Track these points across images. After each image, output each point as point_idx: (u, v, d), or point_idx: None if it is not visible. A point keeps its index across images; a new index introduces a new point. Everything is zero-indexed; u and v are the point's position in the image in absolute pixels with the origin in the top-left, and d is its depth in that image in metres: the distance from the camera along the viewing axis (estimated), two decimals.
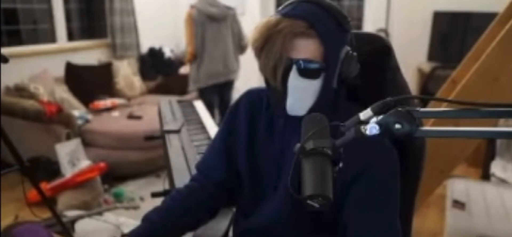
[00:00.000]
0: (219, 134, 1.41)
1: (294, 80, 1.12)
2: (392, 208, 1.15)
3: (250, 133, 1.31)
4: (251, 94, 1.38)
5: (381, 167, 1.15)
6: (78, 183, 3.31)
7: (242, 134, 1.32)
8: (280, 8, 1.16)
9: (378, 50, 1.35)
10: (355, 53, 1.16)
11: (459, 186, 3.07)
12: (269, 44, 1.11)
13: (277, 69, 1.12)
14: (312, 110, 1.15)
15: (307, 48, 1.11)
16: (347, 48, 1.15)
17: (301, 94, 1.15)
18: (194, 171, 1.64)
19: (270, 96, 1.25)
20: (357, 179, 1.14)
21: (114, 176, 3.83)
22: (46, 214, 2.57)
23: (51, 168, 3.54)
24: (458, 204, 2.76)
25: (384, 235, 1.14)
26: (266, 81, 1.21)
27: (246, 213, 1.35)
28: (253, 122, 1.31)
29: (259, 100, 1.34)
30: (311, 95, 1.15)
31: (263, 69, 1.16)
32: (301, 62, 1.11)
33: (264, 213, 1.28)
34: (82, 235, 2.67)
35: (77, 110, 4.24)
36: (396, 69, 1.36)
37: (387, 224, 1.15)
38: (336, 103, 1.20)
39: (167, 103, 2.85)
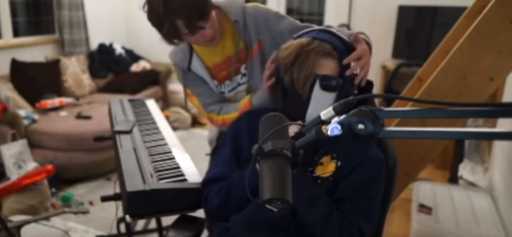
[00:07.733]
0: (225, 147, 1.55)
1: (317, 92, 1.35)
2: (374, 203, 1.35)
3: (251, 142, 1.35)
4: (250, 113, 1.59)
5: (370, 166, 1.34)
6: (24, 187, 3.18)
7: (244, 144, 1.47)
8: (300, 34, 1.44)
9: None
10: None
11: (425, 190, 2.96)
12: (299, 60, 1.34)
13: (306, 82, 1.34)
14: None
15: (329, 66, 1.36)
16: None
17: (320, 105, 1.32)
18: (147, 174, 1.60)
19: (288, 105, 1.43)
20: (350, 173, 1.33)
21: (62, 179, 3.70)
22: None
23: None
24: (425, 209, 2.67)
25: (361, 224, 1.30)
26: (284, 91, 1.43)
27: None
28: (254, 134, 1.36)
29: (258, 117, 1.42)
30: (327, 106, 1.23)
31: (293, 80, 1.36)
32: (325, 78, 1.34)
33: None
34: None
35: (23, 110, 4.11)
36: None
37: (366, 215, 1.32)
38: None
39: (118, 102, 2.76)
